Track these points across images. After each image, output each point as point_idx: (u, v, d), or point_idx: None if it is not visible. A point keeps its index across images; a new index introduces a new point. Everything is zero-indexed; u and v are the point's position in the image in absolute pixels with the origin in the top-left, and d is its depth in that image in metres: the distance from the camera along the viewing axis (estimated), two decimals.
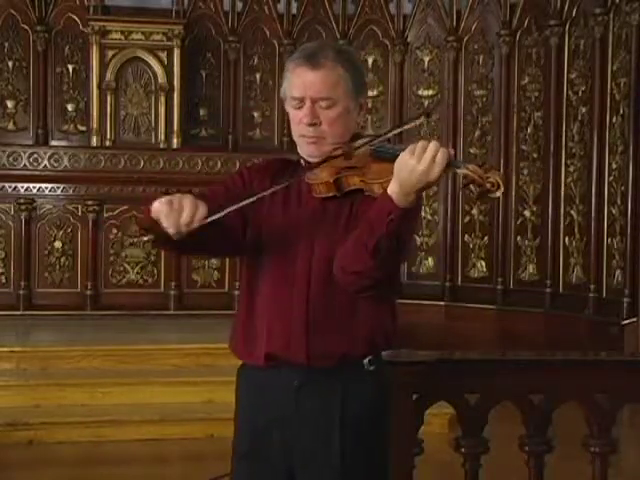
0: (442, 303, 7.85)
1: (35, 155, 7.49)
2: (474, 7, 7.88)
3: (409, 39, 8.10)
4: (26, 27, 7.70)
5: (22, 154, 7.48)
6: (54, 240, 7.59)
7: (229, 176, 2.34)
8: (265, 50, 8.10)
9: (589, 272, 7.10)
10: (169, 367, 5.90)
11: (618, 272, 6.89)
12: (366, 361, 2.14)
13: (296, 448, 2.14)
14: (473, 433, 2.86)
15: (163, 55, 7.59)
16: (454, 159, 1.95)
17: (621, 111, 6.88)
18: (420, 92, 8.09)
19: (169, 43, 7.59)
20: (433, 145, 1.92)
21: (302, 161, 2.21)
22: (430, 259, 8.05)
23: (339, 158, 2.11)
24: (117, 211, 7.64)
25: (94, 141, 7.53)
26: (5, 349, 5.89)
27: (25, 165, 7.47)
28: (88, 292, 7.53)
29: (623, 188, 6.84)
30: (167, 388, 5.58)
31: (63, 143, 7.73)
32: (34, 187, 7.51)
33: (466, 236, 7.94)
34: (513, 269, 7.72)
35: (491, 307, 7.64)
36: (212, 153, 7.70)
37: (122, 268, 7.68)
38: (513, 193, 7.62)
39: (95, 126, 7.50)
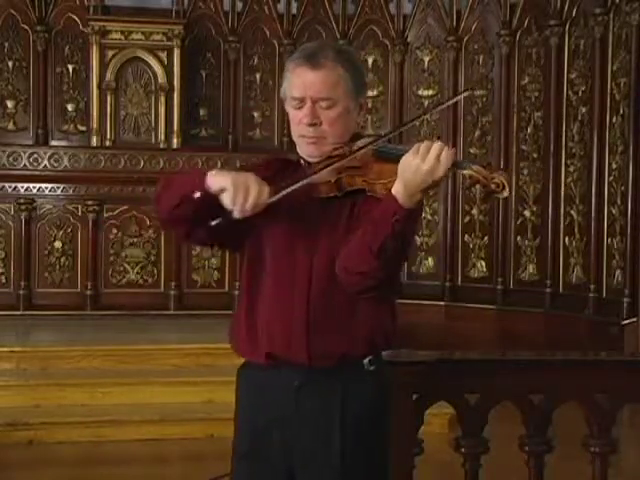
0: (442, 303, 7.85)
1: (35, 155, 7.49)
2: (474, 7, 7.88)
3: (409, 39, 8.10)
4: (26, 27, 7.70)
5: (22, 154, 7.48)
6: (54, 240, 7.59)
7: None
8: (265, 50, 8.10)
9: (589, 272, 7.10)
10: (169, 367, 5.90)
11: (618, 272, 6.89)
12: (366, 361, 2.14)
13: (296, 448, 2.13)
14: (473, 433, 2.86)
15: (163, 55, 7.59)
16: (459, 160, 1.95)
17: (621, 111, 6.88)
18: (420, 92, 8.09)
19: (169, 43, 7.59)
20: (438, 145, 1.93)
21: (302, 161, 2.20)
22: (430, 259, 8.05)
23: (339, 157, 2.10)
24: (117, 211, 7.65)
25: (94, 141, 7.53)
26: (5, 349, 5.89)
27: (25, 165, 7.47)
28: (88, 292, 7.53)
29: (623, 188, 6.84)
30: (167, 388, 5.58)
31: (63, 143, 7.73)
32: (34, 187, 7.51)
33: (466, 236, 7.94)
34: (513, 269, 7.72)
35: (491, 307, 7.64)
36: (212, 153, 7.70)
37: (122, 268, 7.68)
38: (513, 193, 7.61)
39: (95, 126, 7.50)
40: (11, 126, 7.75)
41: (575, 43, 7.32)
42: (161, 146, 7.62)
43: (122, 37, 7.55)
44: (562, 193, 7.40)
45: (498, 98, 7.74)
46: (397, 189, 1.96)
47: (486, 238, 7.87)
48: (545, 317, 7.32)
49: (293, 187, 2.04)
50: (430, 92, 8.06)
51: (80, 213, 7.60)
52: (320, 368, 2.11)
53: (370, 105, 7.87)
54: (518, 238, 7.70)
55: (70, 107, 7.78)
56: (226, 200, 1.97)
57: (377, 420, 2.18)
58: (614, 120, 6.95)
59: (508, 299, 7.65)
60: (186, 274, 7.77)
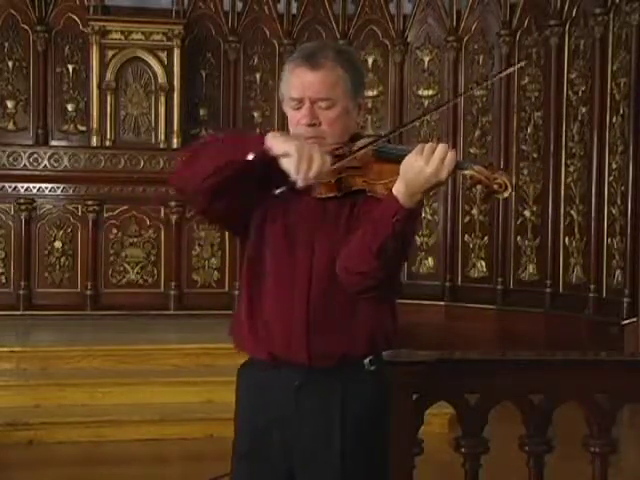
0: (442, 303, 7.85)
1: (35, 155, 7.50)
2: (474, 7, 7.88)
3: (409, 39, 8.10)
4: (26, 27, 7.70)
5: (22, 154, 7.48)
6: (54, 240, 7.60)
7: None
8: (265, 50, 8.10)
9: (589, 272, 7.10)
10: (169, 367, 5.90)
11: (618, 272, 6.89)
12: (366, 361, 2.14)
13: (296, 448, 2.13)
14: (473, 433, 2.86)
15: (163, 55, 7.59)
16: (460, 160, 1.95)
17: (621, 111, 6.88)
18: (420, 92, 8.09)
19: (169, 43, 7.59)
20: (441, 147, 1.93)
21: None
22: (430, 259, 8.05)
23: (339, 157, 2.10)
24: (117, 211, 7.65)
25: (94, 141, 7.53)
26: (5, 349, 5.89)
27: (25, 165, 7.48)
28: (88, 292, 7.53)
29: (623, 188, 6.84)
30: (167, 388, 5.58)
31: (63, 143, 7.73)
32: (34, 187, 7.51)
33: (466, 236, 7.94)
34: (513, 269, 7.72)
35: (491, 307, 7.64)
36: None
37: (122, 268, 7.68)
38: (513, 193, 7.61)
39: (95, 126, 7.50)
40: (11, 126, 7.75)
41: (575, 43, 7.32)
42: (161, 146, 7.62)
43: (122, 37, 7.55)
44: (562, 193, 7.40)
45: (498, 98, 7.74)
46: (398, 189, 1.96)
47: (486, 238, 7.87)
48: (545, 317, 7.32)
49: (348, 159, 2.05)
50: (430, 92, 8.06)
51: (80, 213, 7.61)
52: (320, 368, 2.11)
53: (370, 105, 7.88)
54: (518, 238, 7.69)
55: (70, 107, 7.78)
56: (288, 166, 1.96)
57: (377, 420, 2.18)
58: (614, 120, 6.94)
59: (508, 299, 7.65)
60: (186, 274, 7.77)
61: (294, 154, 1.95)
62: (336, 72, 2.12)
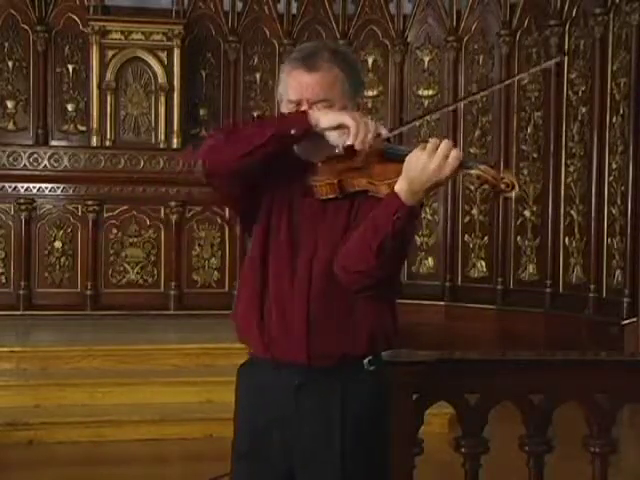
0: (442, 303, 7.85)
1: (35, 155, 7.50)
2: (474, 7, 7.88)
3: (409, 39, 8.10)
4: (26, 27, 7.71)
5: (22, 154, 7.48)
6: (54, 240, 7.60)
7: None
8: (265, 50, 8.10)
9: (589, 272, 7.10)
10: (169, 367, 5.90)
11: (618, 272, 6.88)
12: (366, 361, 2.13)
13: (296, 448, 2.13)
14: (473, 433, 2.86)
15: (163, 55, 7.59)
16: (466, 159, 1.94)
17: (621, 111, 6.88)
18: (420, 92, 8.09)
19: (169, 43, 7.59)
20: (445, 143, 1.92)
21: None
22: (430, 259, 8.05)
23: (340, 158, 2.09)
24: (117, 211, 7.65)
25: (94, 141, 7.53)
26: (5, 349, 5.89)
27: (25, 165, 7.48)
28: (88, 292, 7.53)
29: (623, 188, 6.84)
30: (167, 388, 5.58)
31: (63, 143, 7.73)
32: (34, 187, 7.51)
33: (466, 236, 7.94)
34: (513, 269, 7.72)
35: (491, 307, 7.64)
36: None
37: (122, 268, 7.68)
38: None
39: (95, 126, 7.50)
40: (11, 126, 7.75)
41: (575, 43, 7.32)
42: (161, 146, 7.62)
43: (122, 37, 7.55)
44: (562, 193, 7.40)
45: (498, 98, 7.74)
46: (401, 187, 1.96)
47: (486, 238, 7.87)
48: (545, 317, 7.32)
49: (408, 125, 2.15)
50: (430, 92, 8.06)
51: (80, 213, 7.61)
52: (320, 368, 2.11)
53: (370, 105, 7.88)
54: (518, 238, 7.69)
55: (70, 107, 7.78)
56: (339, 137, 2.02)
57: (377, 420, 2.18)
58: (614, 120, 6.94)
59: (508, 299, 7.65)
60: (186, 274, 7.77)
61: (350, 122, 2.01)
62: (333, 73, 2.12)
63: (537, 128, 7.60)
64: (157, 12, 7.77)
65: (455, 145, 1.94)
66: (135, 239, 7.68)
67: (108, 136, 7.54)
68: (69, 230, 7.62)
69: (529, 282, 7.63)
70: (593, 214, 7.07)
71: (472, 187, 7.72)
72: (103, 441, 5.14)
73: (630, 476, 4.66)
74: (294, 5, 8.09)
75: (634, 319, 6.63)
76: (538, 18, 7.56)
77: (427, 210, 7.90)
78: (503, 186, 1.94)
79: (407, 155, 1.97)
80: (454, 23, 7.93)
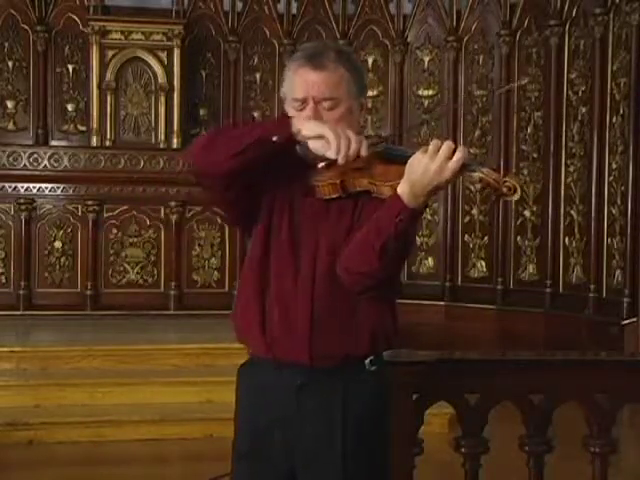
0: (442, 303, 7.85)
1: (35, 155, 7.50)
2: (474, 7, 7.88)
3: (409, 39, 8.10)
4: (26, 27, 7.71)
5: (22, 154, 7.48)
6: (54, 240, 7.60)
7: None
8: (265, 50, 8.10)
9: (589, 272, 7.10)
10: (169, 367, 5.90)
11: (618, 272, 6.88)
12: (368, 361, 2.14)
13: (298, 448, 2.13)
14: (473, 433, 2.86)
15: (163, 55, 7.59)
16: (469, 162, 1.94)
17: (621, 111, 6.88)
18: (420, 92, 8.09)
19: (169, 43, 7.59)
20: (447, 146, 1.92)
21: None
22: (430, 259, 8.05)
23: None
24: (117, 211, 7.65)
25: (94, 141, 7.53)
26: (5, 349, 5.89)
27: (25, 165, 7.48)
28: (88, 292, 7.53)
29: (623, 188, 6.84)
30: (167, 388, 5.58)
31: (63, 143, 7.73)
32: (34, 187, 7.51)
33: (466, 236, 7.94)
34: (513, 269, 7.72)
35: (491, 307, 7.64)
36: None
37: (122, 268, 7.68)
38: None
39: (95, 126, 7.50)
40: (11, 126, 7.75)
41: (575, 43, 7.32)
42: (161, 146, 7.62)
43: (122, 37, 7.55)
44: (562, 193, 7.40)
45: (498, 98, 7.74)
46: (403, 189, 1.96)
47: (486, 238, 7.87)
48: (545, 317, 7.32)
49: (384, 144, 2.10)
50: (430, 92, 8.07)
51: (80, 213, 7.61)
52: (322, 368, 2.11)
53: (370, 105, 7.87)
54: (518, 238, 7.69)
55: (70, 107, 7.78)
56: (321, 147, 1.99)
57: (378, 420, 2.18)
58: (614, 120, 6.94)
59: (508, 299, 7.65)
60: (186, 274, 7.77)
61: (331, 135, 1.97)
62: (339, 72, 2.12)
63: (537, 128, 7.60)
64: (157, 12, 7.77)
65: (456, 147, 1.93)
66: (135, 239, 7.68)
67: (108, 136, 7.54)
68: (69, 230, 7.62)
69: (529, 282, 7.64)
70: (593, 214, 7.07)
71: (472, 187, 7.72)
72: (103, 441, 5.14)
73: (630, 476, 4.66)
74: (294, 5, 8.09)
75: (634, 319, 6.63)
76: (538, 18, 7.56)
77: (427, 210, 7.82)
78: (505, 189, 1.94)
79: (409, 157, 1.96)
80: (454, 23, 7.93)
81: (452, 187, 7.80)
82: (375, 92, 8.05)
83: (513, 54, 7.69)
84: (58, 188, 7.56)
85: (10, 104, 7.73)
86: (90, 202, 7.54)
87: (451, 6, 7.95)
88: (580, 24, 7.27)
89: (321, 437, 2.12)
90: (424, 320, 7.35)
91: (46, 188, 7.54)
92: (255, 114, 8.08)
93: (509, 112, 7.71)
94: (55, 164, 7.50)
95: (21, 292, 7.47)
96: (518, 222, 7.70)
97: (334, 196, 2.11)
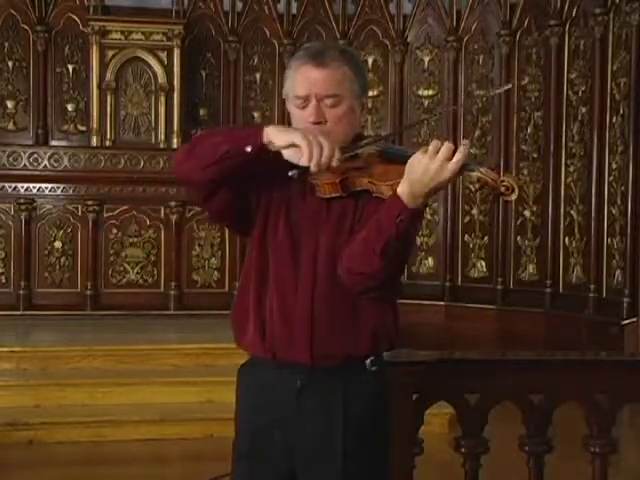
0: (442, 303, 7.85)
1: (35, 155, 7.50)
2: (474, 7, 7.88)
3: (409, 39, 8.10)
4: (26, 27, 7.71)
5: (22, 154, 7.48)
6: (54, 240, 7.60)
7: None
8: (265, 50, 8.10)
9: (589, 272, 7.10)
10: (169, 367, 5.90)
11: (618, 272, 6.88)
12: (368, 361, 2.13)
13: (298, 448, 2.13)
14: (473, 433, 2.86)
15: (163, 55, 7.59)
16: (467, 162, 1.94)
17: (621, 111, 6.88)
18: (420, 92, 8.09)
19: (169, 43, 7.59)
20: (446, 146, 1.92)
21: None
22: (430, 259, 8.05)
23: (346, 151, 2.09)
24: (117, 211, 7.65)
25: (94, 141, 7.53)
26: (5, 349, 5.89)
27: (25, 165, 7.47)
28: (88, 292, 7.53)
29: (623, 188, 6.84)
30: (167, 388, 5.58)
31: (63, 143, 7.73)
32: (34, 187, 7.51)
33: (466, 236, 7.94)
34: (513, 269, 7.72)
35: (491, 307, 7.64)
36: None
37: (122, 268, 7.68)
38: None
39: (95, 126, 7.50)
40: (11, 126, 7.75)
41: (575, 43, 7.32)
42: (161, 146, 7.62)
43: (122, 37, 7.55)
44: (562, 193, 7.40)
45: (498, 98, 7.73)
46: (403, 189, 1.96)
47: (486, 238, 7.87)
48: (545, 317, 7.32)
49: (361, 149, 2.07)
50: (430, 92, 8.06)
51: (80, 213, 7.61)
52: (323, 368, 2.11)
53: (370, 105, 7.87)
54: (518, 238, 7.69)
55: (70, 107, 7.78)
56: (294, 156, 1.96)
57: (379, 420, 2.18)
58: (614, 120, 6.94)
59: (508, 299, 7.65)
60: (186, 274, 7.77)
61: (302, 142, 1.95)
62: (342, 70, 2.12)
63: (537, 128, 7.60)
64: (157, 12, 7.77)
65: (456, 148, 1.93)
66: (135, 239, 7.68)
67: (108, 136, 7.54)
68: (69, 230, 7.62)
69: (529, 282, 7.64)
70: (593, 214, 7.07)
71: (472, 187, 7.72)
72: (103, 441, 5.14)
73: (630, 476, 4.66)
74: (294, 5, 8.09)
75: (634, 319, 6.63)
76: (538, 18, 7.56)
77: (427, 210, 7.87)
78: (503, 189, 1.94)
79: (409, 157, 1.96)
80: (454, 23, 7.93)
81: (452, 187, 7.80)
82: (375, 92, 8.05)
83: (513, 54, 7.69)
84: (58, 188, 7.56)
85: (10, 104, 7.73)
86: (90, 202, 7.54)
87: (451, 6, 7.95)
88: (580, 24, 7.27)
89: (321, 437, 2.12)
90: (424, 320, 7.35)
91: (46, 188, 7.54)
92: (255, 114, 8.08)
93: (509, 112, 7.71)
94: (55, 164, 7.50)
95: (21, 292, 7.47)
96: (518, 222, 7.70)
97: (334, 195, 2.10)
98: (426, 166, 1.91)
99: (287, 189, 2.13)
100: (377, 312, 2.13)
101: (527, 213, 7.66)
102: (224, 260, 7.82)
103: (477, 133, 7.90)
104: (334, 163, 1.97)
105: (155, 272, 7.73)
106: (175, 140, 7.57)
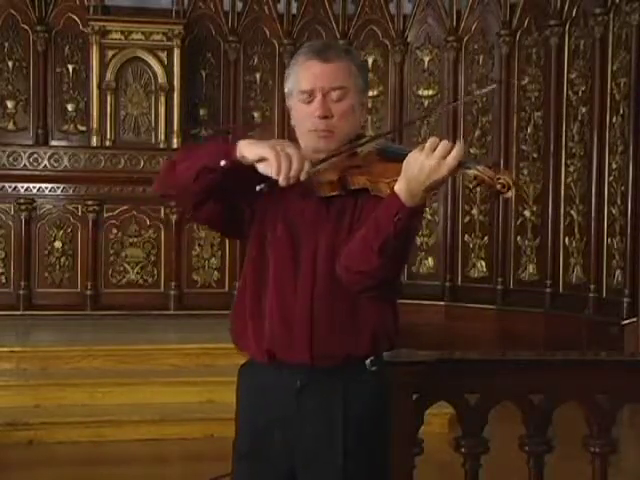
0: (442, 303, 7.85)
1: (35, 155, 7.50)
2: (474, 7, 7.88)
3: (409, 39, 8.10)
4: (26, 27, 7.71)
5: (22, 154, 7.48)
6: (54, 240, 7.60)
7: None
8: (265, 50, 8.10)
9: (589, 272, 7.10)
10: (169, 367, 5.90)
11: (618, 272, 6.89)
12: (368, 361, 2.13)
13: (298, 448, 2.13)
14: (473, 433, 2.86)
15: (163, 55, 7.59)
16: (464, 159, 1.94)
17: (621, 111, 6.88)
18: (420, 92, 8.09)
19: (169, 43, 7.59)
20: (443, 144, 1.92)
21: None
22: (430, 259, 8.05)
23: (343, 156, 2.09)
24: (117, 211, 7.65)
25: (94, 141, 7.53)
26: (5, 349, 5.89)
27: (25, 165, 7.48)
28: (88, 292, 7.53)
29: (623, 188, 6.84)
30: (167, 388, 5.58)
31: (63, 143, 7.73)
32: (34, 187, 7.51)
33: (466, 236, 7.94)
34: (513, 269, 7.72)
35: (491, 307, 7.64)
36: None
37: (122, 268, 7.68)
38: (513, 193, 7.59)
39: (95, 126, 7.50)
40: (11, 126, 7.75)
41: (575, 43, 7.32)
42: (161, 146, 7.62)
43: (122, 37, 7.55)
44: (562, 193, 7.40)
45: (498, 98, 7.74)
46: (400, 187, 1.95)
47: (486, 238, 7.87)
48: (545, 317, 7.32)
49: (333, 159, 2.06)
50: (430, 92, 8.06)
51: (80, 213, 7.61)
52: (322, 368, 2.10)
53: (370, 105, 7.87)
54: (518, 238, 7.69)
55: (70, 107, 7.78)
56: (268, 169, 1.96)
57: (379, 420, 2.18)
58: (614, 120, 6.95)
59: (508, 299, 7.65)
60: (186, 274, 7.77)
61: (270, 156, 1.96)
62: (347, 64, 2.15)
63: (537, 128, 7.60)
64: (157, 12, 7.77)
65: (453, 145, 1.93)
66: (135, 239, 7.68)
67: (108, 136, 7.54)
68: (69, 230, 7.62)
69: (529, 282, 7.64)
70: (593, 214, 7.07)
71: (472, 187, 7.71)
72: (103, 441, 5.14)
73: (630, 476, 4.66)
74: (294, 5, 8.09)
75: (634, 319, 6.63)
76: (538, 18, 7.56)
77: (427, 210, 7.89)
78: (499, 186, 1.94)
79: (407, 155, 1.97)
80: (454, 23, 7.93)
81: (452, 187, 7.80)
82: (375, 92, 8.05)
83: (513, 54, 7.69)
84: (58, 188, 7.56)
85: (10, 104, 7.73)
86: (90, 202, 7.54)
87: (451, 6, 7.95)
88: (580, 24, 7.27)
89: (321, 437, 2.12)
90: (424, 320, 7.35)
91: (46, 188, 7.54)
92: (255, 114, 8.08)
93: (509, 112, 7.71)
94: (55, 164, 7.50)
95: (21, 292, 7.47)
96: (518, 222, 7.70)
97: (333, 194, 2.10)
98: (422, 163, 1.91)
99: (283, 191, 2.13)
100: (377, 312, 2.13)
101: (527, 213, 7.66)
102: (224, 260, 7.82)
103: (477, 133, 7.90)
104: (303, 177, 1.98)
105: (155, 272, 7.73)
106: (175, 140, 7.57)
